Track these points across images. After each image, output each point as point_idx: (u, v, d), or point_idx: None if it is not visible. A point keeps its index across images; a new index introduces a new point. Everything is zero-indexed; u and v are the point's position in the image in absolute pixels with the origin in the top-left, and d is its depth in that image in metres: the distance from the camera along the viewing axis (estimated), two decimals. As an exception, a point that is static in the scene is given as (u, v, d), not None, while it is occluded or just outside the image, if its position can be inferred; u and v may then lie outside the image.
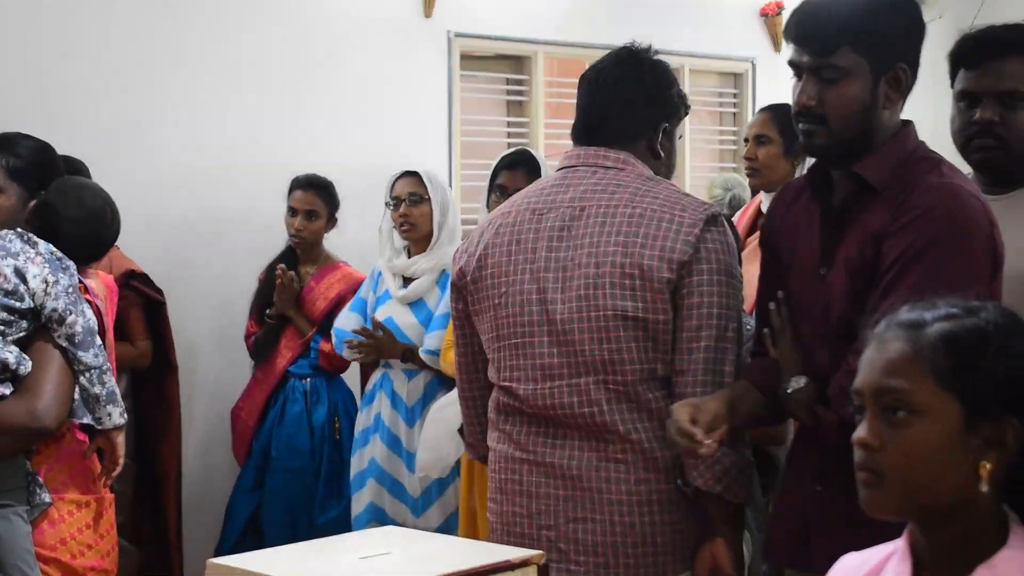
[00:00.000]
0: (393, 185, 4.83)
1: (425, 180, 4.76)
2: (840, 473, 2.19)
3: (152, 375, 5.07)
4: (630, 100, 2.96)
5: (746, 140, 4.66)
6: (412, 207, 4.72)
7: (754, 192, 4.78)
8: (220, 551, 5.23)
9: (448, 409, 4.22)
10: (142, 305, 4.96)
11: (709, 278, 2.80)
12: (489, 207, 4.46)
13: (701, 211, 2.84)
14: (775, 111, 4.65)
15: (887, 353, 1.81)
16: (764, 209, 4.55)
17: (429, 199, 4.72)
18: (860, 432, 1.80)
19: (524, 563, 2.04)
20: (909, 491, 1.77)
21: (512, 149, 4.92)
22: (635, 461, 2.81)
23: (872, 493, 1.80)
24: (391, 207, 4.80)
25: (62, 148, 4.86)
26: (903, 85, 2.67)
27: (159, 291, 5.04)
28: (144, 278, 4.97)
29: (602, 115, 2.98)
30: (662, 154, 3.01)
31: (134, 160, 5.47)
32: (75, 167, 4.63)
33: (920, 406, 1.76)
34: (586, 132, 3.01)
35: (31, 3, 5.31)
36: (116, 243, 4.89)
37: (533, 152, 4.79)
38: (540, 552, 2.08)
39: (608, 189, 2.89)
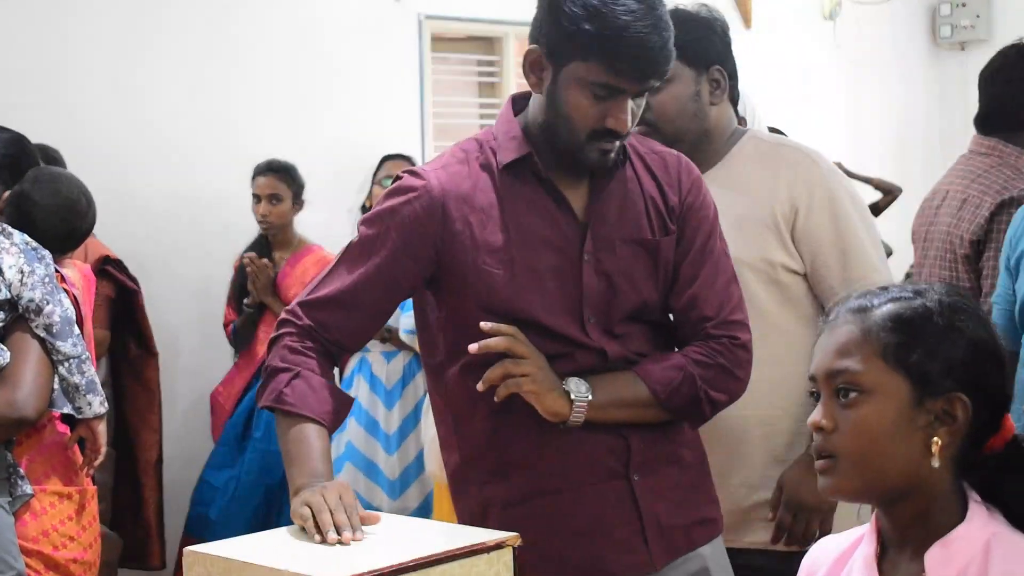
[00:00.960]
0: (380, 166, 4.85)
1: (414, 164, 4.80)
2: None
3: (132, 362, 5.08)
4: None
5: None
6: None
7: None
8: (188, 525, 5.26)
9: None
10: (114, 293, 4.95)
11: None
12: None
13: None
14: None
15: (837, 337, 1.85)
16: None
17: None
18: (814, 416, 1.85)
19: (498, 545, 2.05)
20: (863, 471, 1.81)
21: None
22: None
23: (829, 477, 1.84)
24: (378, 187, 4.82)
25: (35, 135, 4.89)
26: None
27: (133, 279, 5.03)
28: (119, 264, 4.96)
29: None
30: None
31: (107, 146, 5.47)
32: (50, 156, 4.64)
33: (870, 385, 1.80)
34: None
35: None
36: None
37: None
38: (515, 534, 2.09)
39: None
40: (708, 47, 2.91)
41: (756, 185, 2.90)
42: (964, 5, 8.52)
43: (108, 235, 5.14)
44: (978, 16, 8.49)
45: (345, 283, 2.42)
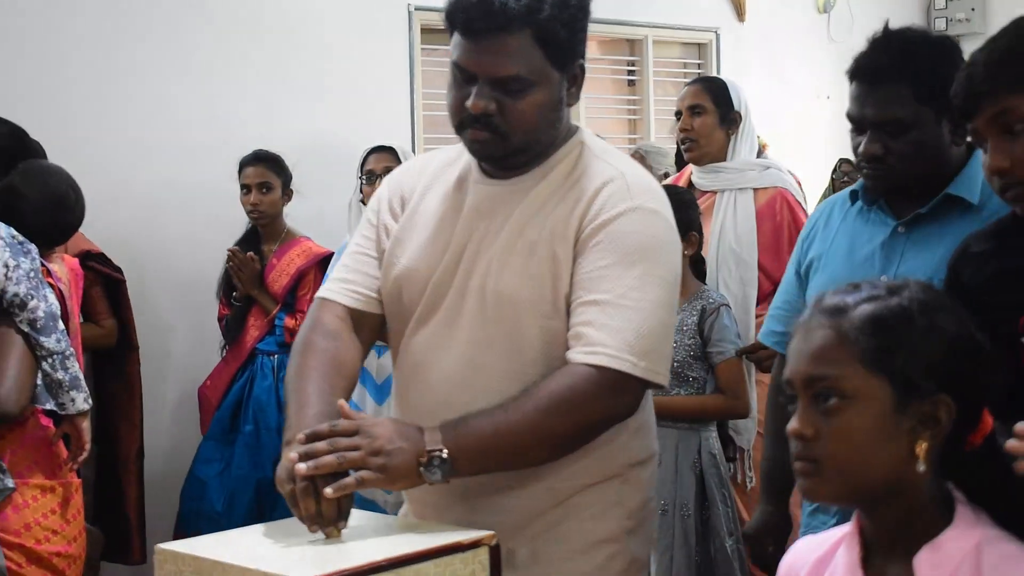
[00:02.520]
0: (366, 159, 4.84)
1: (400, 155, 4.78)
2: None
3: (112, 355, 5.05)
4: None
5: (678, 114, 4.63)
6: None
7: (688, 163, 4.77)
8: (180, 520, 5.26)
9: None
10: (102, 284, 4.95)
11: None
12: None
13: None
14: (706, 81, 4.69)
15: (813, 341, 1.80)
16: (695, 180, 4.59)
17: None
18: (793, 423, 1.79)
19: (475, 544, 2.05)
20: (847, 477, 1.76)
21: None
22: None
23: (810, 482, 1.79)
24: (364, 181, 4.81)
25: (28, 128, 4.90)
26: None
27: (118, 269, 5.02)
28: (101, 257, 4.94)
29: None
30: None
31: (95, 137, 5.45)
32: (32, 149, 4.63)
33: (850, 391, 1.75)
34: None
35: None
36: (87, 233, 4.94)
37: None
38: (491, 532, 2.09)
39: None
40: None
41: None
42: (959, -2, 8.53)
43: (97, 228, 5.12)
44: (973, 9, 8.48)
45: None
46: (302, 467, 2.11)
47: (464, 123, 2.43)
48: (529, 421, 2.31)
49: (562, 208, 2.47)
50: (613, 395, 2.38)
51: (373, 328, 2.61)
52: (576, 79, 2.50)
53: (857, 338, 1.76)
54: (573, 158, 2.53)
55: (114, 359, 5.06)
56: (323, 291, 2.63)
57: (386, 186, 2.68)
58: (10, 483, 3.13)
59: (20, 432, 3.21)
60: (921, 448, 1.75)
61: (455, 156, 2.63)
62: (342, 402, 2.29)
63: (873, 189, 2.83)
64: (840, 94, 8.11)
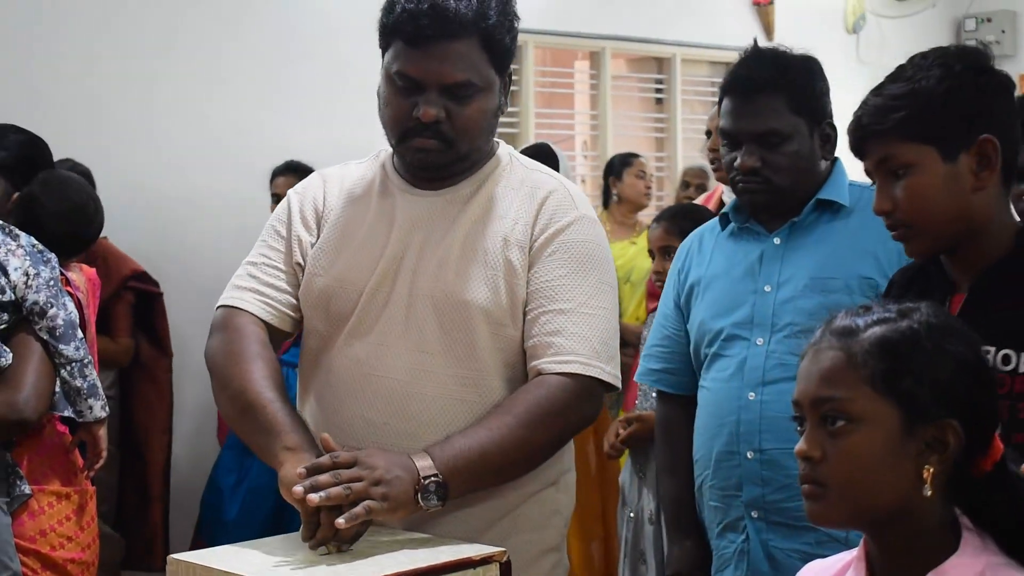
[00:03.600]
0: (273, 181, 4.89)
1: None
2: None
3: (144, 363, 5.12)
4: None
5: (708, 133, 4.62)
6: None
7: (719, 182, 4.77)
8: (199, 528, 5.27)
9: None
10: (135, 301, 5.00)
11: None
12: None
13: None
14: None
15: (822, 362, 1.79)
16: (726, 199, 4.57)
17: None
18: (800, 445, 1.79)
19: (486, 560, 2.05)
20: (853, 500, 1.75)
21: (532, 144, 4.92)
22: None
23: (816, 505, 1.78)
24: (272, 202, 4.85)
25: (49, 138, 4.92)
26: None
27: (155, 283, 5.11)
28: (142, 276, 5.04)
29: None
30: None
31: (123, 147, 5.49)
32: (80, 172, 4.70)
33: (858, 414, 1.74)
34: None
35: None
36: (110, 238, 4.99)
37: (552, 146, 4.80)
38: (502, 549, 2.09)
39: None
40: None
41: None
42: (990, 20, 8.50)
43: (123, 236, 5.18)
44: (1003, 31, 8.47)
45: None
46: (314, 498, 2.13)
47: (410, 132, 2.45)
48: (514, 436, 2.34)
49: (510, 216, 2.50)
50: (586, 402, 2.44)
51: (277, 345, 2.61)
52: (507, 87, 2.55)
53: (866, 360, 1.76)
54: (505, 168, 2.57)
55: (146, 366, 5.12)
56: (232, 299, 2.59)
57: (294, 198, 2.66)
58: (27, 489, 3.13)
59: (37, 439, 3.22)
60: (928, 472, 1.74)
61: (365, 169, 2.65)
62: (326, 436, 2.30)
63: (750, 203, 2.91)
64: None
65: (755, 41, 3.01)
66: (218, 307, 2.61)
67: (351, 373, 2.49)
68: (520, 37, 6.95)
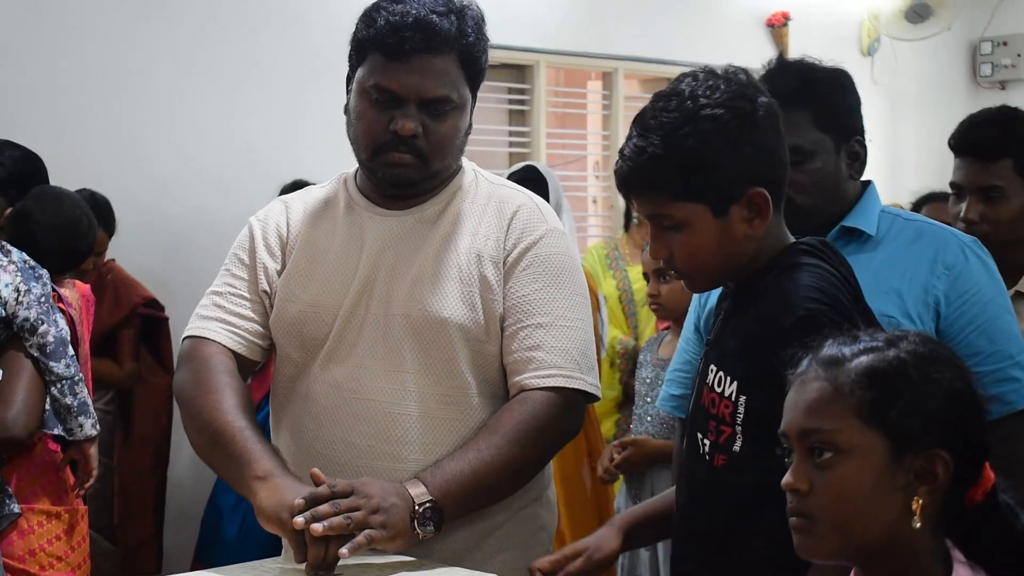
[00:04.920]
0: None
1: None
2: None
3: (145, 383, 5.11)
4: None
5: None
6: None
7: None
8: (198, 550, 5.25)
9: None
10: (142, 327, 5.01)
11: None
12: None
13: None
14: None
15: (808, 393, 1.75)
16: None
17: None
18: (788, 477, 1.75)
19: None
20: (842, 533, 1.71)
21: (519, 165, 4.90)
22: None
23: (805, 538, 1.74)
24: None
25: (62, 156, 4.92)
26: None
27: (162, 308, 5.14)
28: (152, 303, 5.07)
29: None
30: None
31: (132, 166, 5.48)
32: (98, 202, 4.79)
33: (845, 445, 1.70)
34: None
35: (30, 12, 5.32)
36: (120, 258, 4.99)
37: (540, 167, 4.78)
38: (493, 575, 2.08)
39: None
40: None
41: None
42: (1005, 44, 8.45)
43: (129, 256, 5.17)
44: (1019, 55, 8.42)
45: None
46: (318, 528, 2.13)
47: (385, 147, 2.45)
48: (504, 456, 2.34)
49: (480, 233, 2.50)
50: (571, 414, 2.45)
51: (246, 374, 2.59)
52: (474, 107, 2.57)
53: (852, 391, 1.71)
54: (471, 184, 2.58)
55: (146, 380, 5.12)
56: (198, 329, 2.56)
57: (257, 226, 2.63)
58: (16, 508, 3.11)
59: (28, 457, 3.20)
60: (917, 504, 1.70)
61: (327, 191, 2.64)
62: (316, 471, 2.28)
63: None
64: (884, 137, 8.05)
65: (780, 54, 2.90)
66: (184, 338, 2.58)
67: (330, 398, 2.47)
68: (533, 56, 6.98)
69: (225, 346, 2.52)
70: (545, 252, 2.49)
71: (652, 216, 2.16)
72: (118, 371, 4.90)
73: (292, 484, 2.24)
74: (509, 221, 2.51)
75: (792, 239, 2.24)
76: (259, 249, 2.59)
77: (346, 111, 2.53)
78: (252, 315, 2.56)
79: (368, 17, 2.46)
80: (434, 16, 2.40)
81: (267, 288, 2.56)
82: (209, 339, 2.53)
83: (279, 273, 2.56)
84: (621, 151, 2.15)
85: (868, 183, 2.80)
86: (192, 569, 4.54)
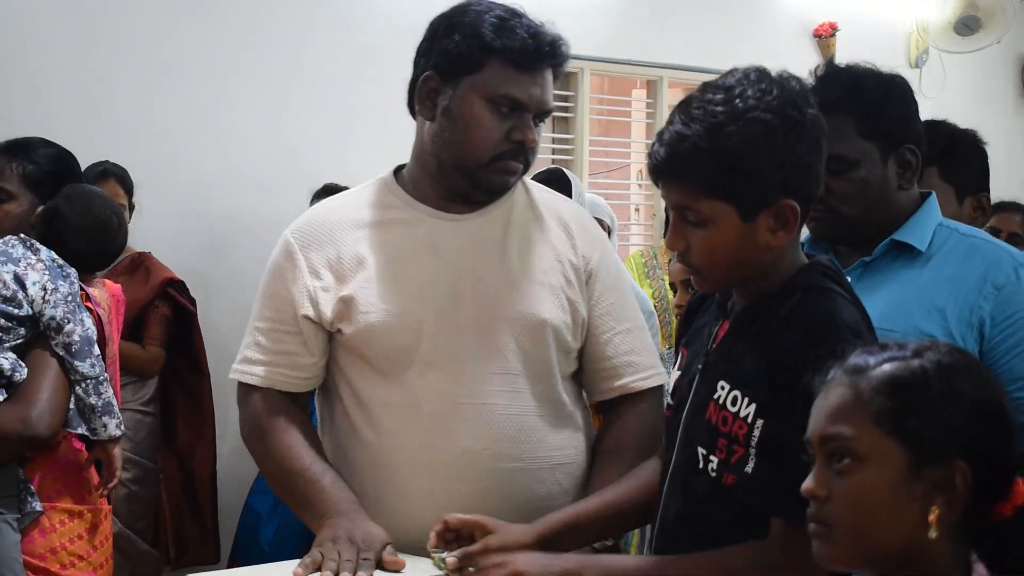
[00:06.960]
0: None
1: None
2: None
3: (184, 382, 5.16)
4: None
5: None
6: None
7: None
8: (234, 552, 5.27)
9: None
10: (171, 313, 5.03)
11: None
12: None
13: None
14: None
15: (831, 400, 1.76)
16: None
17: None
18: (808, 483, 1.75)
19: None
20: (859, 541, 1.71)
21: (545, 168, 4.89)
22: None
23: (823, 545, 1.75)
24: None
25: (98, 156, 4.95)
26: None
27: (192, 301, 5.14)
28: (180, 286, 5.08)
29: None
30: None
31: (164, 167, 5.50)
32: (116, 174, 4.88)
33: (863, 452, 1.70)
34: None
35: (63, 16, 5.35)
36: (151, 251, 5.00)
37: (566, 171, 4.76)
38: None
39: None
40: None
41: None
42: (1055, 57, 8.37)
43: (167, 257, 5.19)
44: (1070, 70, 8.33)
45: None
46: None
47: (504, 155, 2.52)
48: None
49: (553, 236, 2.61)
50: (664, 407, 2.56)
51: (304, 405, 2.68)
52: None
53: (872, 398, 1.71)
54: (521, 191, 2.68)
55: (186, 385, 5.18)
56: (245, 375, 2.66)
57: (297, 249, 2.64)
58: (38, 506, 3.10)
59: (51, 456, 3.19)
60: (934, 514, 1.68)
61: (367, 197, 2.68)
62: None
63: (816, 232, 2.72)
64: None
65: (831, 60, 2.86)
66: (234, 377, 2.71)
67: (436, 405, 2.50)
68: (577, 64, 6.98)
69: (272, 389, 2.64)
70: (612, 259, 2.68)
71: (678, 207, 2.12)
72: (143, 354, 4.92)
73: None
74: (575, 228, 2.66)
75: (805, 259, 2.19)
76: (302, 274, 2.60)
77: (453, 116, 2.55)
78: (296, 348, 2.62)
79: (497, 24, 2.51)
80: (547, 28, 2.54)
81: (310, 313, 2.58)
82: (255, 386, 2.65)
83: (326, 290, 2.57)
84: (659, 134, 2.11)
85: (928, 194, 2.71)
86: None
